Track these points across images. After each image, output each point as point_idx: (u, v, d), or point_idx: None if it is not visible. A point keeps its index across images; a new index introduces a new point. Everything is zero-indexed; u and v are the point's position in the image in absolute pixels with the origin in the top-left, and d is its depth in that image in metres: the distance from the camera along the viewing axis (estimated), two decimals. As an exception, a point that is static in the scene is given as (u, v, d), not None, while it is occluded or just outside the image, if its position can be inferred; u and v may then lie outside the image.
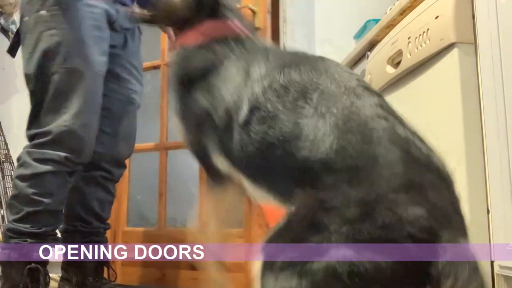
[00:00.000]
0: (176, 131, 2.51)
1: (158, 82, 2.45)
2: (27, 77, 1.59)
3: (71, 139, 1.54)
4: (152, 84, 2.50)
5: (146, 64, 2.13)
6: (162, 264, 2.12)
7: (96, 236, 1.78)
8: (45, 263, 1.54)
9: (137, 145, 2.03)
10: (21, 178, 1.54)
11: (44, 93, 1.56)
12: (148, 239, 2.30)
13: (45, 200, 1.52)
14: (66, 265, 1.76)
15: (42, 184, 1.52)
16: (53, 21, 1.55)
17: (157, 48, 2.51)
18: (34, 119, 1.58)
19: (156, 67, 2.50)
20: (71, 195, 1.73)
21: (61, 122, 1.53)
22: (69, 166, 1.56)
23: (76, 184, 1.73)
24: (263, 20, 2.16)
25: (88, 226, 1.78)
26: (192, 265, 2.15)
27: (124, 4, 1.72)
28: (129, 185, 2.43)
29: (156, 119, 2.43)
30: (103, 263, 1.78)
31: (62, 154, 1.52)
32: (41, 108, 1.56)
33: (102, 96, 1.64)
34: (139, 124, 1.96)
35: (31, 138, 1.58)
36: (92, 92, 1.58)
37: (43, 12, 1.56)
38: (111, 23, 1.68)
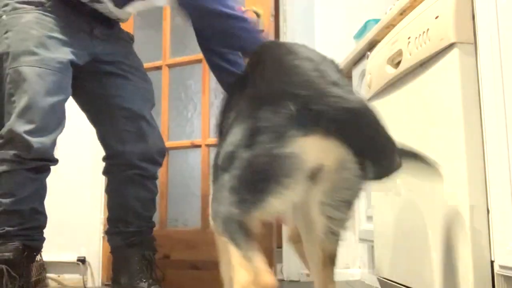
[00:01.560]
0: (176, 131, 2.54)
1: (159, 83, 2.45)
2: None
3: (15, 137, 1.52)
4: (153, 85, 2.50)
5: (147, 65, 2.13)
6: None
7: (139, 236, 1.79)
8: (12, 263, 1.52)
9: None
10: None
11: (2, 97, 1.59)
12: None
13: (4, 200, 1.52)
14: (114, 266, 1.79)
15: None
16: (8, 25, 1.59)
17: (158, 49, 2.51)
18: None
19: (158, 68, 2.50)
20: (110, 197, 1.84)
21: (9, 123, 1.54)
22: (22, 162, 1.54)
23: (114, 186, 1.81)
24: (267, 23, 2.16)
25: (129, 227, 1.78)
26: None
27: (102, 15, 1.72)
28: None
29: (157, 120, 2.43)
30: (149, 264, 1.78)
31: (11, 152, 1.52)
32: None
33: (66, 91, 1.63)
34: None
35: None
36: (38, 91, 1.54)
37: (4, 17, 1.60)
38: (90, 31, 1.70)
